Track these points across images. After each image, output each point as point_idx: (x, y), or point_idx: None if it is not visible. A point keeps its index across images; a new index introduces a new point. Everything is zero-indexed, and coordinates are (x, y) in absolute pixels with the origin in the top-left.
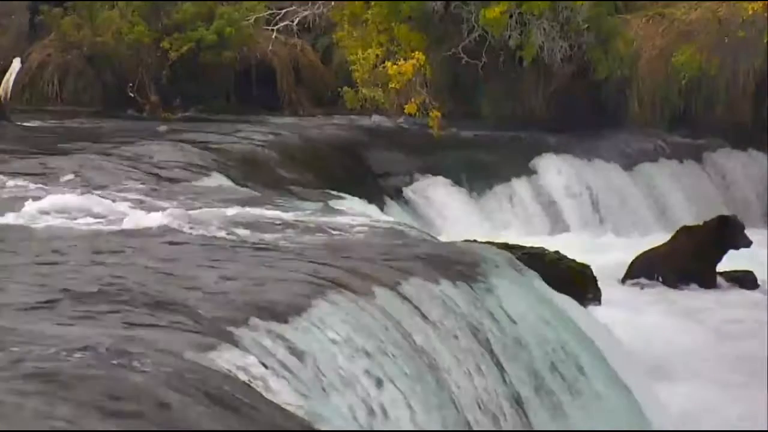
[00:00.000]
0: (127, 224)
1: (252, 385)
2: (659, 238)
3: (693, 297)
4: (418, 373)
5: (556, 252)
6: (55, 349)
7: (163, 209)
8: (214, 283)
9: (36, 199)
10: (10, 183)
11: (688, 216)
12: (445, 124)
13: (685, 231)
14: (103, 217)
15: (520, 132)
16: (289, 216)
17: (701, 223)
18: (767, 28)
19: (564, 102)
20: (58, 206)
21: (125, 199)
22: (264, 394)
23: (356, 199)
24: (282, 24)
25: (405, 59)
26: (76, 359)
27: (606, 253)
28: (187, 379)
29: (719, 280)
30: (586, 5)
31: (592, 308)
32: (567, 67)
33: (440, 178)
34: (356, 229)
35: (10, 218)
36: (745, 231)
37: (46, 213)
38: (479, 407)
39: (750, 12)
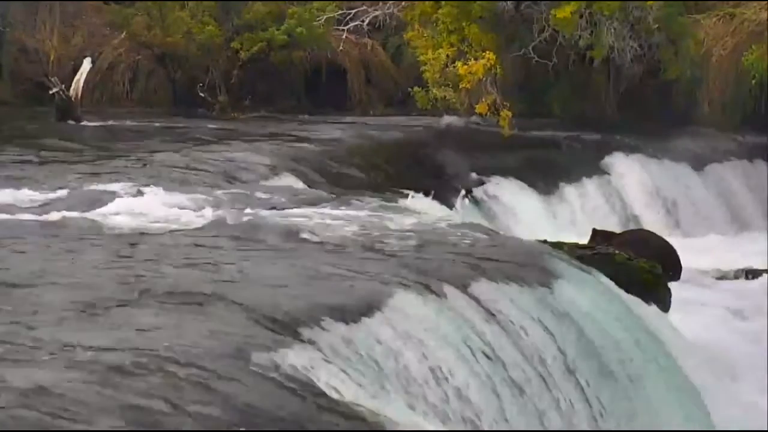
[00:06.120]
0: (195, 224)
1: (320, 384)
2: (729, 237)
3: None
4: (487, 372)
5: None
6: (123, 344)
7: (232, 209)
8: (283, 282)
9: (104, 198)
10: (79, 183)
11: (759, 216)
12: (515, 123)
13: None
14: (169, 217)
15: (590, 132)
16: (358, 216)
17: None
18: None
19: (634, 102)
20: (125, 206)
21: (193, 199)
22: (331, 393)
23: (427, 199)
24: (352, 24)
25: (475, 59)
26: (142, 354)
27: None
28: (254, 377)
29: None
30: (657, 5)
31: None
32: (637, 67)
33: (510, 178)
34: (427, 228)
35: (79, 218)
36: None
37: (114, 212)
38: (550, 403)
39: None
